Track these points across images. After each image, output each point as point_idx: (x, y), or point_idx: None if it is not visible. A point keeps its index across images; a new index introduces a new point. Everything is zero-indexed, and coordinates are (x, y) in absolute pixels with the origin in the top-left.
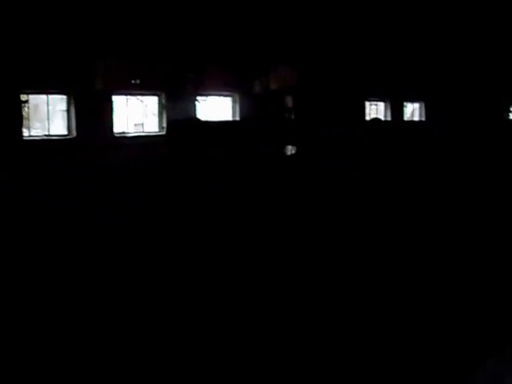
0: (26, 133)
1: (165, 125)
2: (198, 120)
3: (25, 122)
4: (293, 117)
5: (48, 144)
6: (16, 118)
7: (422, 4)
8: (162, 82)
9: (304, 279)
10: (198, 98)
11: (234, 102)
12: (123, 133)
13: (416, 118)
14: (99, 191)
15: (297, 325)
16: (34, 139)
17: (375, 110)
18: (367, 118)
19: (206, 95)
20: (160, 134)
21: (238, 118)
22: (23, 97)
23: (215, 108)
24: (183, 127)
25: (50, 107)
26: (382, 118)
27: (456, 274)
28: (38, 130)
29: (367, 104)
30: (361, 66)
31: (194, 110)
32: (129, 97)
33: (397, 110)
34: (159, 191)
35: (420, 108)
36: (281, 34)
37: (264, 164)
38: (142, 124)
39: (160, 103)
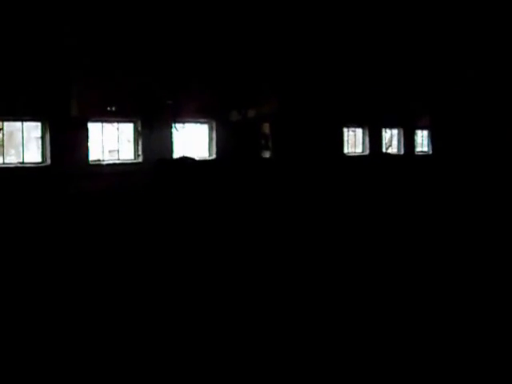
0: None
1: (140, 152)
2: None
3: None
4: (270, 144)
5: (22, 171)
6: None
7: (397, 29)
8: (138, 109)
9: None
10: (176, 125)
11: (210, 129)
12: (98, 160)
13: (394, 144)
14: None
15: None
16: (8, 167)
17: (353, 137)
18: (346, 145)
19: (183, 122)
20: (136, 162)
21: (214, 146)
22: None
23: (191, 135)
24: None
25: (25, 134)
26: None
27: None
28: (13, 158)
29: (345, 130)
30: (339, 92)
31: (171, 137)
32: (104, 124)
33: (375, 137)
34: None
35: (398, 134)
36: (259, 63)
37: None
38: (118, 151)
39: (135, 130)
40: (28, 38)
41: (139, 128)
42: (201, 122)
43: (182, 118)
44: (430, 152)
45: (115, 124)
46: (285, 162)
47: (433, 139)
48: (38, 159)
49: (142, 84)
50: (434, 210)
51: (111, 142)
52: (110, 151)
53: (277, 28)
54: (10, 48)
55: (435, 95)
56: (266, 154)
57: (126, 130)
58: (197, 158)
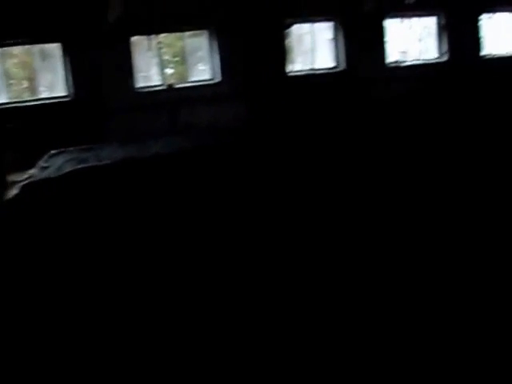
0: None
1: (445, 50)
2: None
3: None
4: None
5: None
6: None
7: None
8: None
9: None
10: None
11: None
12: (397, 62)
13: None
14: None
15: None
16: (299, 75)
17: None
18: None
19: (493, 11)
20: (440, 62)
21: None
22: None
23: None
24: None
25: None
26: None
27: None
28: (300, 65)
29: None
30: None
31: (478, 30)
32: (403, 20)
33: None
34: None
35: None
36: None
37: None
38: (408, 51)
39: (439, 24)
40: None
41: (443, 21)
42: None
43: (491, 6)
44: None
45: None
46: None
47: None
48: (331, 64)
49: None
50: None
51: (406, 41)
52: (401, 52)
53: None
54: None
55: None
56: None
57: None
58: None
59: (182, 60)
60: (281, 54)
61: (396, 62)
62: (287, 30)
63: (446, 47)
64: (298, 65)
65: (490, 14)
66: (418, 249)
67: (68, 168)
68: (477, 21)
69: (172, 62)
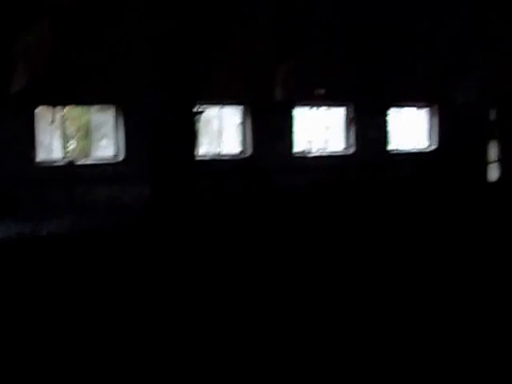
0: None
1: (352, 142)
2: None
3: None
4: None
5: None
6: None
7: None
8: (351, 91)
9: None
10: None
11: (431, 114)
12: (303, 152)
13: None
14: None
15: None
16: (203, 159)
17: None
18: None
19: (401, 106)
20: (346, 154)
21: (435, 135)
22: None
23: (408, 122)
24: None
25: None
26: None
27: None
28: (205, 148)
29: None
30: None
31: (386, 124)
32: (312, 109)
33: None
34: None
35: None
36: None
37: None
38: (315, 141)
39: (347, 116)
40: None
41: (351, 113)
42: (420, 106)
43: (401, 101)
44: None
45: (322, 109)
46: None
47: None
48: (236, 150)
49: (356, 63)
50: None
51: (314, 131)
52: (309, 141)
53: None
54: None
55: None
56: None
57: (331, 116)
58: None
59: (86, 134)
60: (188, 135)
61: (302, 151)
62: (197, 113)
63: (353, 139)
64: (204, 148)
65: (398, 109)
66: None
67: None
68: (385, 115)
69: (75, 136)
